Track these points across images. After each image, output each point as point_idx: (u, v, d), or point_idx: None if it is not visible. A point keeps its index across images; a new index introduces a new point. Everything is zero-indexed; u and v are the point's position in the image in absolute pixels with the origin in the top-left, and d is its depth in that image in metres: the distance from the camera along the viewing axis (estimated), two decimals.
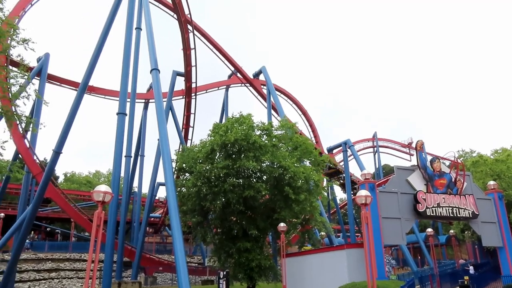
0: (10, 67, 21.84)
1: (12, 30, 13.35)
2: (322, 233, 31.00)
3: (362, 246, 17.19)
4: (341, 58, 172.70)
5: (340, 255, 18.40)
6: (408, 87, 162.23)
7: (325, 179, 34.76)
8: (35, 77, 31.90)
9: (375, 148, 63.69)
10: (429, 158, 20.97)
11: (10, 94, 14.03)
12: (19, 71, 13.99)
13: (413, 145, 29.03)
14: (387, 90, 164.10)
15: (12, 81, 13.97)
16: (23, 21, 28.45)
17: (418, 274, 21.85)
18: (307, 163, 22.92)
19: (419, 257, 43.10)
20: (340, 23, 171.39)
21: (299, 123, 47.98)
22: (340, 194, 70.49)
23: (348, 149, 43.36)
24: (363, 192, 11.22)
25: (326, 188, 27.13)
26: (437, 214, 19.45)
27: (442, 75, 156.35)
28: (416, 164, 20.48)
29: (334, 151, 49.29)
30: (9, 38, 13.59)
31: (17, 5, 27.23)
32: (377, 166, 62.67)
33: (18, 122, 16.75)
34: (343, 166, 44.24)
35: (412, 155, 64.30)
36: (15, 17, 22.35)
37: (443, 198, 19.71)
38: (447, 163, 21.92)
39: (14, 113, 14.45)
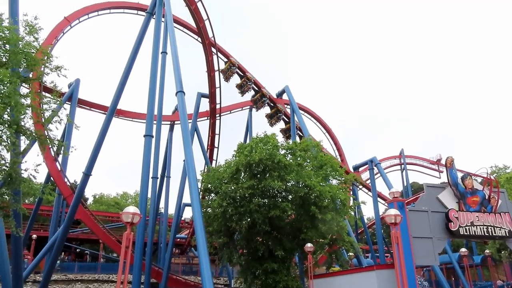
0: (44, 93, 22.83)
1: (46, 58, 14.00)
2: (351, 254, 30.25)
3: (393, 267, 16.64)
4: (365, 76, 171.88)
5: (370, 276, 17.85)
6: (435, 103, 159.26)
7: (351, 198, 34.15)
8: (66, 102, 33.14)
9: (403, 166, 62.26)
10: (459, 175, 20.33)
11: (43, 119, 14.54)
12: (52, 97, 14.57)
13: (442, 161, 28.26)
14: (413, 106, 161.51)
15: (45, 106, 14.55)
16: (55, 49, 29.74)
17: None
18: (333, 182, 22.63)
19: (453, 279, 41.30)
20: (361, 40, 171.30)
21: (324, 141, 47.75)
22: (367, 213, 68.95)
23: (375, 167, 42.51)
24: (392, 211, 10.97)
25: (353, 207, 26.55)
26: (471, 233, 18.70)
27: (469, 90, 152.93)
28: (446, 181, 19.88)
29: (360, 169, 48.43)
30: (43, 66, 14.23)
31: (50, 34, 28.56)
32: (405, 184, 61.16)
33: (50, 146, 17.34)
34: (369, 183, 43.37)
35: (442, 172, 62.47)
36: (49, 46, 23.39)
37: (477, 216, 18.97)
38: (479, 179, 21.16)
39: (47, 137, 14.97)
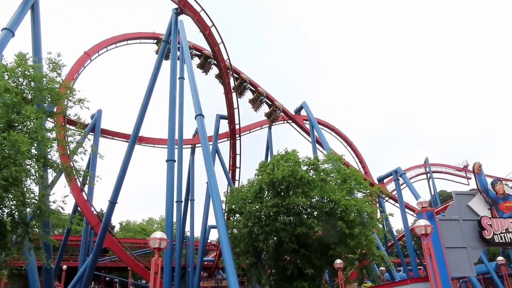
0: (68, 125, 23.52)
1: (69, 92, 14.49)
2: (382, 268, 29.43)
3: (427, 280, 16.06)
4: (384, 85, 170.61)
5: None
6: (455, 108, 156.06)
7: (378, 211, 33.44)
8: (90, 133, 34.00)
9: (429, 174, 60.82)
10: (489, 180, 19.70)
11: (68, 151, 14.94)
12: (76, 129, 15.01)
13: (470, 167, 27.47)
14: (433, 113, 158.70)
15: (70, 138, 14.98)
16: (77, 82, 30.74)
17: None
18: (358, 195, 22.25)
19: None
20: (375, 50, 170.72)
21: (346, 155, 47.25)
22: (396, 225, 67.22)
23: (400, 177, 41.68)
24: (422, 222, 10.67)
25: (380, 220, 25.97)
26: (507, 241, 17.96)
27: (488, 93, 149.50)
28: (475, 188, 19.29)
29: (385, 180, 47.60)
30: (66, 100, 14.72)
31: (71, 69, 29.59)
32: (432, 193, 59.59)
33: (76, 177, 17.73)
34: (395, 194, 42.44)
35: (469, 178, 60.78)
36: (71, 80, 24.24)
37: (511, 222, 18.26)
38: (511, 184, 20.44)
39: (73, 168, 15.34)
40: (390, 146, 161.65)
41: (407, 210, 42.79)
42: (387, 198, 46.80)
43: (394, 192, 44.97)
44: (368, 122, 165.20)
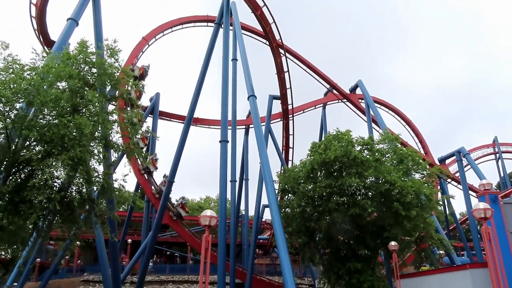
0: (128, 108, 24.76)
1: (127, 77, 15.21)
2: (441, 252, 28.34)
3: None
4: (450, 59, 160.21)
5: (463, 276, 16.56)
6: None
7: (439, 193, 32.02)
8: (149, 115, 35.58)
9: (497, 155, 56.89)
10: None
11: (128, 133, 15.76)
12: (135, 112, 15.76)
13: None
14: (503, 91, 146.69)
15: (131, 120, 15.75)
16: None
17: None
18: (416, 176, 21.39)
19: None
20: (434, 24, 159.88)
21: (404, 134, 45.36)
22: (460, 208, 64.00)
23: (463, 158, 39.42)
24: (481, 205, 10.09)
25: (441, 202, 24.86)
26: None
27: None
28: None
29: (447, 161, 45.33)
30: (126, 84, 15.47)
31: (131, 54, 30.87)
32: (501, 175, 55.81)
33: (137, 157, 18.72)
34: (459, 176, 40.33)
35: None
36: (129, 66, 25.35)
37: None
38: None
39: (133, 149, 16.17)
40: (456, 125, 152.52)
41: (471, 192, 40.55)
42: (449, 180, 44.60)
43: (458, 174, 42.70)
44: (435, 99, 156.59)
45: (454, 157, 41.29)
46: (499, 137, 58.60)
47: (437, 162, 42.71)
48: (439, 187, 39.21)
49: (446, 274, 18.39)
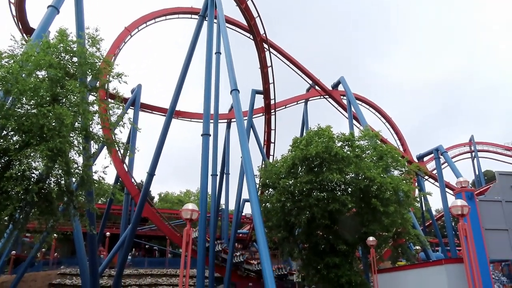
0: (109, 100, 24.37)
1: (108, 67, 14.94)
2: (418, 247, 29.02)
3: (463, 261, 15.75)
4: (430, 59, 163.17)
5: (439, 271, 17.03)
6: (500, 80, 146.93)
7: (416, 190, 32.68)
8: (130, 107, 35.07)
9: (473, 153, 58.48)
10: None
11: (109, 124, 15.53)
12: (116, 103, 15.52)
13: None
14: (482, 91, 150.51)
15: (110, 112, 15.52)
16: (118, 57, 31.54)
17: None
18: (395, 173, 21.81)
19: None
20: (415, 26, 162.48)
21: (384, 131, 46.00)
22: (436, 205, 65.54)
23: (441, 156, 40.32)
24: (458, 202, 10.37)
25: (418, 199, 25.45)
26: None
27: None
28: None
29: (425, 159, 46.26)
30: (107, 74, 15.19)
31: (112, 44, 30.31)
32: (476, 173, 57.43)
33: (117, 149, 18.48)
34: (436, 173, 41.24)
35: None
36: (112, 55, 24.91)
37: None
38: None
39: (114, 140, 15.97)
40: (434, 123, 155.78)
41: (447, 189, 41.57)
42: (427, 177, 45.57)
43: (435, 171, 43.67)
44: (413, 98, 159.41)
45: (432, 154, 42.18)
46: (479, 135, 60.42)
47: (416, 160, 43.57)
48: (416, 184, 40.06)
49: (422, 269, 18.86)
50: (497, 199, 17.40)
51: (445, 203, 38.24)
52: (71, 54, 13.73)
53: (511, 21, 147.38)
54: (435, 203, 70.54)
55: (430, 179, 47.01)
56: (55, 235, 33.13)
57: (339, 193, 19.56)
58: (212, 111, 24.57)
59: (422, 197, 42.19)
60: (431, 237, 48.00)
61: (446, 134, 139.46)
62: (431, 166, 49.63)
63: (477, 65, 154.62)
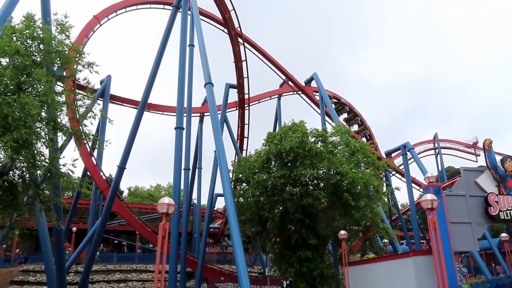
0: (77, 90, 23.53)
1: (78, 55, 14.35)
2: (385, 241, 29.77)
3: (430, 253, 16.27)
4: (399, 58, 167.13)
5: (406, 263, 17.54)
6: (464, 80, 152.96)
7: (384, 184, 33.54)
8: (99, 98, 34.02)
9: (437, 150, 60.50)
10: (498, 158, 19.53)
11: (78, 115, 14.97)
12: (85, 93, 14.95)
13: (479, 144, 27.25)
14: (448, 90, 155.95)
15: (79, 103, 14.96)
16: (86, 47, 30.45)
17: (494, 283, 20.30)
18: (365, 168, 22.25)
19: (493, 265, 39.99)
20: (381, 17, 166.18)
21: (354, 128, 47.08)
22: (401, 199, 67.57)
23: (408, 152, 41.52)
24: (428, 196, 10.67)
25: (386, 194, 26.11)
26: None
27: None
28: (484, 165, 19.18)
29: (393, 154, 47.50)
30: (76, 63, 14.59)
31: (81, 32, 29.25)
32: (440, 169, 59.46)
33: (86, 141, 17.87)
34: (403, 170, 42.43)
35: (479, 155, 60.48)
36: (80, 44, 23.98)
37: None
38: None
39: (83, 132, 15.42)
40: (402, 121, 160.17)
41: (413, 185, 42.88)
42: (394, 173, 46.82)
43: (402, 167, 44.92)
44: (383, 96, 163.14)
45: (400, 151, 43.38)
46: (443, 133, 62.46)
47: (384, 156, 44.67)
48: (384, 179, 41.09)
49: (391, 261, 19.38)
50: (462, 194, 18.09)
51: (411, 198, 39.49)
52: (38, 41, 13.08)
53: (477, 22, 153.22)
54: (400, 198, 72.80)
55: (397, 175, 48.37)
56: (17, 230, 31.91)
57: (312, 187, 19.77)
58: (185, 105, 24.19)
59: (389, 192, 43.46)
60: (397, 230, 49.47)
61: (412, 132, 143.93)
62: (398, 161, 51.02)
63: (443, 65, 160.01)
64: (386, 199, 37.85)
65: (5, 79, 11.70)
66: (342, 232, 18.85)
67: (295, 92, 43.99)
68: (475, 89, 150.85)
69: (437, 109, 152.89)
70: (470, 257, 37.28)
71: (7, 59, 12.63)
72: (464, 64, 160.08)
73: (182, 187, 24.88)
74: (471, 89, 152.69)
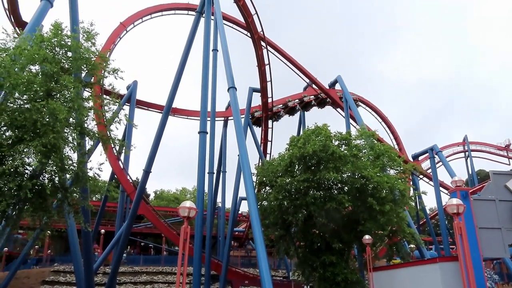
0: (104, 96, 24.15)
1: (104, 62, 14.75)
2: (412, 246, 29.07)
3: (457, 259, 15.76)
4: (427, 60, 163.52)
5: (433, 269, 17.02)
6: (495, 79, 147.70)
7: (411, 188, 32.81)
8: (126, 103, 34.82)
9: (467, 153, 58.73)
10: None
11: (105, 121, 15.35)
12: (111, 99, 15.33)
13: None
14: (479, 90, 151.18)
15: (106, 108, 15.34)
16: (113, 53, 31.24)
17: None
18: (391, 172, 21.82)
19: None
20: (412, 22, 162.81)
21: (380, 131, 46.11)
22: (429, 204, 65.84)
23: (436, 155, 40.44)
24: (454, 201, 10.34)
25: (413, 198, 25.52)
26: None
27: None
28: None
29: (420, 158, 46.38)
30: (102, 70, 15.00)
31: (108, 39, 30.03)
32: (470, 172, 57.69)
33: (112, 146, 18.29)
34: (431, 173, 41.36)
35: (511, 158, 58.39)
36: (107, 50, 24.66)
37: None
38: None
39: (109, 137, 15.80)
40: (430, 122, 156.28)
41: (442, 189, 41.70)
42: (421, 176, 45.72)
43: (429, 170, 43.81)
44: (409, 98, 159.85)
45: (427, 154, 42.30)
46: (473, 135, 60.64)
47: (411, 159, 43.69)
48: (411, 183, 40.17)
49: (417, 267, 18.85)
50: (491, 198, 17.42)
51: (439, 202, 38.41)
52: (66, 49, 13.52)
53: (509, 19, 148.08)
54: (428, 202, 70.96)
55: (425, 178, 47.19)
56: (48, 232, 32.92)
57: (335, 191, 19.54)
58: (209, 109, 24.42)
59: (417, 196, 42.44)
60: (425, 235, 48.21)
61: (441, 134, 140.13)
62: (425, 165, 49.81)
63: (473, 64, 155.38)
64: (413, 204, 37.09)
65: (35, 85, 12.12)
66: (367, 236, 18.52)
67: (319, 95, 43.66)
68: (507, 89, 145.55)
69: (467, 109, 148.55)
70: (503, 263, 35.86)
71: (37, 67, 13.11)
72: (495, 62, 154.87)
73: (206, 190, 25.14)
74: (503, 89, 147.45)
